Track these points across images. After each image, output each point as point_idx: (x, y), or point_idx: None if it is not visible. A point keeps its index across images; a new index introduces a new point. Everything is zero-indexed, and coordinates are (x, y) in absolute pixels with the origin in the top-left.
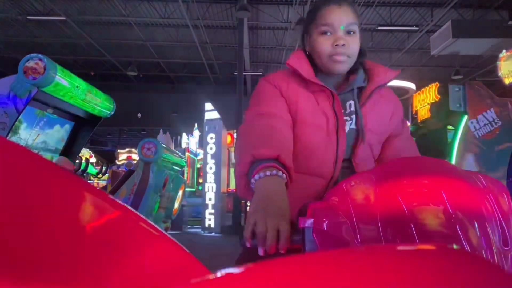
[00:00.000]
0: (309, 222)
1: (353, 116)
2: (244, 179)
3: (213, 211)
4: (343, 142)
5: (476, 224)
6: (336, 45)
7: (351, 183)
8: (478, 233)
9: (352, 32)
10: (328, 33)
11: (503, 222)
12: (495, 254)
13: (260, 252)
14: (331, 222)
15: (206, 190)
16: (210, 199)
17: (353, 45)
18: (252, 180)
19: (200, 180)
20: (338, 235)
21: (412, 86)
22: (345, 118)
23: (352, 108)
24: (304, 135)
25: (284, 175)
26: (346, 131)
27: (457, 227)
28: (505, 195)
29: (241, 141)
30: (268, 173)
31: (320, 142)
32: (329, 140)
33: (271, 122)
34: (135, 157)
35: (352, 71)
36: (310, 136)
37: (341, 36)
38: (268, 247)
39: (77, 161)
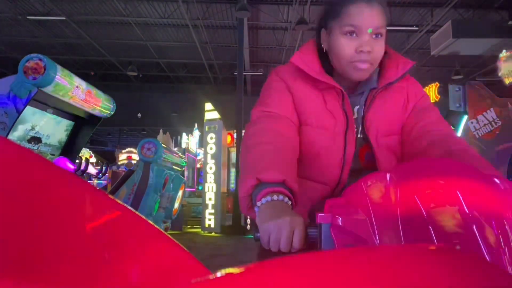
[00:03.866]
0: (326, 217)
1: (359, 124)
2: (247, 199)
3: (213, 211)
4: (352, 145)
5: (494, 225)
6: (361, 51)
7: (368, 182)
8: (495, 234)
9: (379, 35)
10: (354, 35)
11: None
12: None
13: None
14: (349, 218)
15: (206, 190)
16: (210, 199)
17: (379, 50)
18: (258, 203)
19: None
20: (355, 232)
21: None
22: None
23: (358, 115)
24: (309, 138)
25: (290, 201)
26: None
27: (475, 228)
28: None
29: (247, 155)
30: (274, 197)
31: (325, 146)
32: (335, 143)
33: (278, 127)
34: (135, 157)
35: None
36: (315, 139)
37: (367, 41)
38: (284, 250)
39: (77, 161)
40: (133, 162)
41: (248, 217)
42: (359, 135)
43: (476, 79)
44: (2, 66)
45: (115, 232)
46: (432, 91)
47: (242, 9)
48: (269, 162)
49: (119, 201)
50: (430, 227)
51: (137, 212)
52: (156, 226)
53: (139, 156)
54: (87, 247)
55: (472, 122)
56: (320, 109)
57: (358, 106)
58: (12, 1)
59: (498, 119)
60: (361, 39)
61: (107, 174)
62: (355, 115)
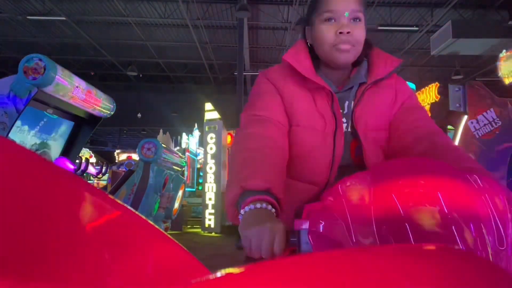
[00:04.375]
0: (304, 224)
1: (349, 118)
2: (233, 208)
3: (213, 211)
4: (340, 146)
5: (471, 224)
6: (340, 32)
7: (346, 184)
8: (473, 233)
9: (358, 20)
10: (332, 20)
11: (498, 222)
12: (490, 255)
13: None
14: (326, 223)
15: (206, 190)
16: (210, 199)
17: (359, 33)
18: (242, 211)
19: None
20: (332, 237)
21: (412, 86)
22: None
23: (347, 110)
24: (298, 139)
25: (273, 209)
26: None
27: (452, 227)
28: (500, 195)
29: (233, 161)
30: (258, 205)
31: (315, 146)
32: (324, 143)
33: (266, 131)
34: (135, 157)
35: (356, 64)
36: (304, 140)
37: (346, 23)
38: (266, 257)
39: (77, 161)
40: (133, 162)
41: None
42: (348, 130)
43: (476, 79)
44: (2, 66)
45: (115, 232)
46: (432, 91)
47: (242, 9)
48: (253, 170)
49: (119, 201)
50: (406, 227)
51: (137, 212)
52: (156, 226)
53: (139, 156)
54: (87, 247)
55: (472, 122)
56: (310, 110)
57: (348, 102)
58: (12, 1)
59: (498, 119)
60: (340, 23)
61: (107, 174)
62: (345, 110)
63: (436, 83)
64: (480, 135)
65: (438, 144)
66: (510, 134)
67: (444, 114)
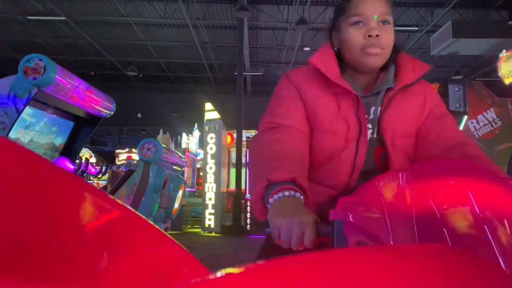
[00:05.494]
0: (340, 214)
1: (375, 124)
2: (260, 202)
3: (213, 211)
4: (363, 151)
5: (507, 227)
6: (369, 36)
7: (381, 181)
8: (509, 236)
9: (386, 23)
10: (360, 24)
11: None
12: None
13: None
14: (363, 216)
15: (206, 190)
16: (210, 199)
17: (387, 36)
18: (270, 200)
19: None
20: (369, 230)
21: None
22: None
23: (374, 115)
24: (321, 143)
25: (302, 196)
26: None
27: (488, 230)
28: None
29: (255, 162)
30: (286, 193)
31: (336, 151)
32: (347, 148)
33: (286, 138)
34: (135, 157)
35: (383, 68)
36: (326, 145)
37: (375, 27)
38: (295, 248)
39: (77, 161)
40: (133, 162)
41: (248, 217)
42: (374, 135)
43: (476, 79)
44: (2, 66)
45: (115, 232)
46: None
47: (242, 9)
48: (277, 164)
49: (119, 201)
50: (444, 228)
51: (137, 212)
52: (156, 226)
53: (139, 156)
54: (87, 247)
55: (472, 122)
56: (333, 115)
57: (374, 107)
58: (12, 1)
59: (498, 119)
60: (369, 26)
61: (107, 174)
62: (371, 116)
63: (436, 83)
64: (480, 135)
65: (470, 156)
66: (510, 134)
67: None
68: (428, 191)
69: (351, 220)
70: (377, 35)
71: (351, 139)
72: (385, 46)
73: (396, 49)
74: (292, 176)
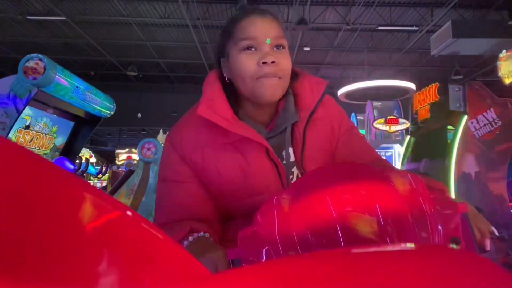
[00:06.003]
0: (235, 253)
1: (300, 166)
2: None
3: None
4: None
5: (394, 224)
6: (264, 62)
7: (273, 201)
8: (398, 232)
9: (281, 47)
10: (252, 49)
11: (427, 220)
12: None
13: None
14: (256, 250)
15: None
16: None
17: (285, 62)
18: (185, 242)
19: None
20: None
21: (412, 86)
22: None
23: (293, 158)
24: (242, 204)
25: (207, 234)
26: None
27: (378, 229)
28: (422, 193)
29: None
30: (190, 239)
31: (260, 199)
32: (269, 191)
33: (176, 190)
34: (135, 157)
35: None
36: (250, 202)
37: (269, 52)
38: None
39: (77, 161)
40: (133, 162)
41: None
42: (298, 175)
43: (476, 79)
44: (2, 66)
45: (115, 232)
46: (432, 91)
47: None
48: (171, 227)
49: (119, 201)
50: (333, 233)
51: (137, 212)
52: (156, 226)
53: (139, 156)
54: (86, 247)
55: (472, 122)
56: (243, 173)
57: (285, 151)
58: (12, 1)
59: (498, 119)
60: (262, 51)
61: (107, 174)
62: (292, 158)
63: (436, 83)
64: (480, 135)
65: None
66: (510, 134)
67: (444, 114)
68: (309, 205)
69: (247, 256)
70: (272, 62)
71: (272, 183)
72: (282, 75)
73: (294, 75)
74: (187, 228)
